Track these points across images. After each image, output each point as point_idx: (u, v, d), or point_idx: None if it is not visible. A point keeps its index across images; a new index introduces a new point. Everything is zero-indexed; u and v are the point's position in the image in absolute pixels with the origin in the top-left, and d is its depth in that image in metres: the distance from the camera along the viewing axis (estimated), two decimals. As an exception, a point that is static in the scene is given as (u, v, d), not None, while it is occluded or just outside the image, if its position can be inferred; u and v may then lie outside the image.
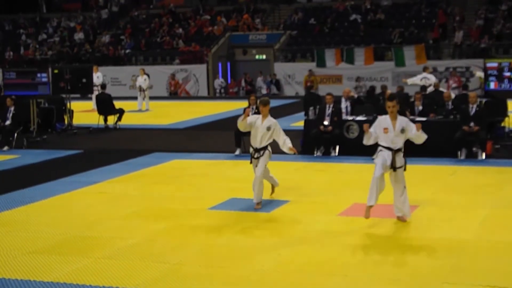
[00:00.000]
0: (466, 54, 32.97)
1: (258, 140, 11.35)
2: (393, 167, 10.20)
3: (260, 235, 9.97)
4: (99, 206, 12.02)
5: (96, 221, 10.95)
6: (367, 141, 10.37)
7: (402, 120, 10.29)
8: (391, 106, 10.18)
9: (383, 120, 10.29)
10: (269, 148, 11.46)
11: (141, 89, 28.74)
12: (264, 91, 34.98)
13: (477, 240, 9.48)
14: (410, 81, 24.65)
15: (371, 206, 10.10)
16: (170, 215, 11.22)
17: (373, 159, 10.56)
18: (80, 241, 9.81)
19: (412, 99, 18.58)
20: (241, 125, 11.49)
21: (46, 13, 46.17)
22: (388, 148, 10.19)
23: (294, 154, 11.76)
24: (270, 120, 11.37)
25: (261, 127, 11.31)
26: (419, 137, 10.39)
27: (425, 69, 25.60)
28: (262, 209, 11.33)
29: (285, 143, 11.38)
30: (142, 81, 28.86)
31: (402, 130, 10.16)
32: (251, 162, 11.53)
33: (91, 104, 27.71)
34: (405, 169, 10.33)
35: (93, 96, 26.95)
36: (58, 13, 45.18)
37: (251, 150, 11.53)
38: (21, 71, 22.79)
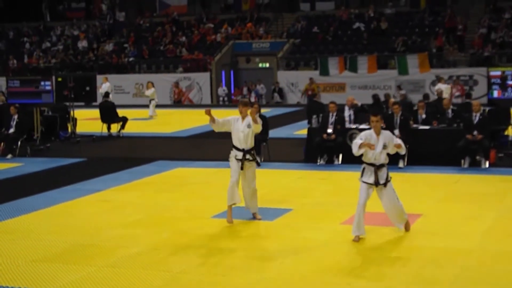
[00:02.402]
0: (469, 62, 33.00)
1: (242, 140, 11.02)
2: (376, 183, 9.90)
3: (263, 244, 9.96)
4: (102, 214, 12.02)
5: (99, 229, 10.95)
6: (358, 151, 10.00)
7: (385, 136, 9.96)
8: (375, 121, 9.84)
9: (369, 136, 9.94)
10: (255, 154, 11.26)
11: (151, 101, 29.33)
12: (251, 99, 34.99)
13: (480, 249, 9.46)
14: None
15: (358, 236, 9.89)
16: (173, 223, 11.22)
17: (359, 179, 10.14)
18: (84, 250, 9.81)
19: (415, 108, 18.59)
20: (215, 126, 11.15)
21: (50, 21, 46.30)
22: (371, 164, 9.96)
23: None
24: (249, 119, 11.04)
25: (242, 127, 11.04)
26: (398, 149, 10.19)
27: (440, 80, 25.69)
28: (265, 217, 11.31)
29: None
30: (150, 92, 29.31)
31: (384, 146, 9.86)
32: (242, 168, 11.01)
33: (96, 112, 27.74)
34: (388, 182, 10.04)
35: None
36: (61, 21, 45.30)
37: (236, 153, 11.05)
38: (25, 80, 22.84)
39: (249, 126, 11.02)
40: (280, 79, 35.57)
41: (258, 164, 11.37)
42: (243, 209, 11.48)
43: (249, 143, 11.09)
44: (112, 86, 36.31)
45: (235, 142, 11.11)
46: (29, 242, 10.23)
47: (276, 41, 37.75)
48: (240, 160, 10.99)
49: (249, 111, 11.07)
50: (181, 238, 10.35)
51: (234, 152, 11.08)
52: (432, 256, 9.09)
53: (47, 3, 46.82)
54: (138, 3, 44.11)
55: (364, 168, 10.02)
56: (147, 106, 30.13)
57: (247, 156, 11.03)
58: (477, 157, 15.68)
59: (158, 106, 30.72)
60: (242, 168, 10.99)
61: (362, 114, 18.63)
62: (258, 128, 11.08)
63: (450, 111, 17.84)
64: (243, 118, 11.12)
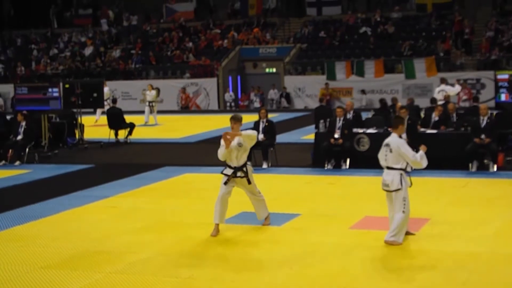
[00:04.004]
0: (476, 66, 32.93)
1: (234, 158, 10.71)
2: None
3: (272, 249, 9.94)
4: (110, 221, 12.04)
5: (107, 235, 10.96)
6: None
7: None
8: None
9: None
10: (249, 163, 10.98)
11: (150, 104, 28.88)
12: (257, 104, 35.02)
13: (490, 253, 9.43)
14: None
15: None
16: (181, 229, 11.22)
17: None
18: (92, 256, 9.82)
19: (422, 112, 18.57)
20: (224, 155, 10.76)
21: (57, 28, 46.44)
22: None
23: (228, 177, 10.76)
24: (240, 137, 10.71)
25: (233, 145, 10.68)
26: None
27: (442, 81, 25.56)
28: (273, 222, 11.28)
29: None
30: (151, 95, 29.04)
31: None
32: (225, 183, 10.71)
33: (103, 118, 27.77)
34: None
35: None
36: (69, 28, 45.44)
37: (226, 169, 10.80)
38: (33, 86, 22.85)
39: (239, 145, 10.73)
40: (287, 84, 35.56)
41: (249, 182, 10.86)
42: (251, 214, 11.47)
43: (241, 161, 10.79)
44: (119, 92, 36.55)
45: (227, 159, 10.84)
46: (37, 249, 10.25)
47: (283, 46, 37.75)
48: (228, 176, 10.75)
49: (228, 135, 10.64)
50: (189, 243, 10.34)
51: (226, 167, 10.83)
52: (441, 260, 9.06)
53: (54, 10, 46.96)
54: (145, 10, 44.20)
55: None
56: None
57: (238, 174, 10.76)
58: (485, 161, 15.65)
59: (165, 112, 30.76)
60: (225, 183, 10.71)
61: (359, 121, 18.43)
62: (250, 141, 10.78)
63: (455, 114, 17.82)
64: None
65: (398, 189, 9.84)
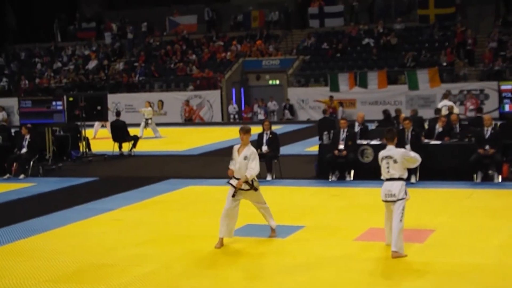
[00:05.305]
0: (480, 76, 32.93)
1: (237, 171, 10.74)
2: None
3: (276, 261, 9.92)
4: (115, 234, 12.03)
5: (112, 248, 10.96)
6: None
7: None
8: None
9: None
10: (255, 178, 10.90)
11: (146, 120, 28.87)
12: (261, 116, 35.02)
13: (496, 265, 9.40)
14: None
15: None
16: (185, 242, 11.21)
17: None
18: (97, 269, 9.81)
19: (426, 123, 18.56)
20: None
21: (61, 42, 46.60)
22: None
23: (236, 188, 10.72)
24: (249, 149, 10.81)
25: (240, 158, 10.77)
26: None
27: (445, 96, 25.61)
28: (278, 235, 11.27)
29: (247, 170, 10.70)
30: (147, 111, 29.03)
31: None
32: (233, 195, 10.73)
33: (106, 131, 27.82)
34: None
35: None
36: (72, 41, 45.59)
37: (232, 180, 10.81)
38: (37, 100, 22.88)
39: (245, 158, 10.76)
40: (291, 96, 35.59)
41: (255, 189, 10.85)
42: (256, 227, 11.45)
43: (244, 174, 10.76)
44: (123, 105, 36.59)
45: (234, 172, 10.87)
46: (42, 263, 10.25)
47: (286, 58, 37.81)
48: (234, 187, 10.75)
49: (240, 183, 10.68)
50: (193, 256, 10.34)
51: (232, 178, 10.84)
52: (447, 272, 9.04)
53: (58, 24, 47.13)
54: (149, 23, 44.36)
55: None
56: (159, 124, 30.08)
57: (243, 187, 10.76)
58: (490, 172, 15.62)
59: (168, 124, 30.76)
60: (233, 196, 10.74)
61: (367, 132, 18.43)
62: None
63: (458, 125, 17.81)
64: (244, 145, 10.90)
65: (402, 199, 9.89)
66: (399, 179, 9.99)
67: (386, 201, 10.06)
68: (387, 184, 10.04)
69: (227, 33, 42.16)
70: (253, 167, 10.71)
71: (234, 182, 10.79)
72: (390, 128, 11.19)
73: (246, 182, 10.73)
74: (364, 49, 37.02)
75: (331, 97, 32.90)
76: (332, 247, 10.53)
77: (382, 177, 10.19)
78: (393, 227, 9.87)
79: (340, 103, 33.09)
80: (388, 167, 10.04)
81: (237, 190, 10.70)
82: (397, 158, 10.00)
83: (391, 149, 10.16)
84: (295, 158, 20.48)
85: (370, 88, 29.44)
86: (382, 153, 10.22)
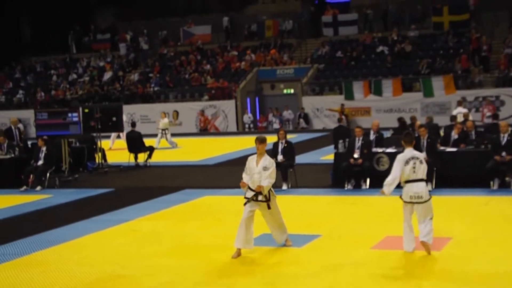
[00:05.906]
0: (495, 83, 32.78)
1: (256, 181, 10.64)
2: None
3: (292, 271, 9.90)
4: (131, 244, 12.05)
5: (128, 259, 10.97)
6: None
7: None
8: None
9: None
10: (271, 188, 10.85)
11: (163, 131, 28.88)
12: (276, 125, 35.01)
13: (513, 272, 9.33)
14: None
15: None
16: (202, 252, 11.20)
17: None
18: (113, 280, 9.83)
19: (441, 130, 18.48)
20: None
21: (76, 53, 46.90)
22: None
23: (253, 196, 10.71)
24: (266, 159, 10.75)
25: (257, 169, 10.69)
26: None
27: (459, 103, 25.50)
28: (294, 244, 11.24)
29: (263, 180, 10.62)
30: (163, 122, 29.05)
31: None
32: (246, 203, 10.71)
33: (122, 142, 27.92)
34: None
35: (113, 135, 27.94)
36: (87, 53, 45.87)
37: (248, 193, 10.76)
38: (53, 112, 23.01)
39: (264, 168, 10.68)
40: (305, 105, 35.58)
41: (269, 207, 10.78)
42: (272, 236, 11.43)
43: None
44: (138, 116, 36.74)
45: (248, 180, 10.81)
46: (59, 274, 10.28)
47: (300, 67, 37.83)
48: (248, 199, 10.74)
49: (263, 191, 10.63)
50: (210, 266, 10.33)
51: (248, 190, 10.78)
52: (465, 280, 8.98)
53: (73, 36, 47.45)
54: (163, 33, 44.58)
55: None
56: (174, 135, 30.15)
57: (260, 198, 10.72)
58: (507, 178, 15.53)
59: (183, 134, 30.82)
60: (246, 203, 10.72)
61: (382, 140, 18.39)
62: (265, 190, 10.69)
63: (473, 132, 17.74)
64: (260, 155, 10.83)
65: (429, 199, 10.24)
66: (423, 180, 10.25)
67: (411, 202, 10.12)
68: (412, 185, 10.23)
69: (241, 42, 42.26)
70: (269, 179, 10.59)
71: (249, 194, 10.78)
72: (407, 132, 11.25)
73: (262, 194, 10.68)
74: (379, 57, 36.99)
75: (342, 105, 32.87)
76: (349, 256, 10.50)
77: (403, 180, 10.28)
78: (425, 224, 10.12)
79: (347, 116, 32.91)
80: (414, 168, 10.22)
81: (253, 197, 10.68)
82: (422, 159, 10.33)
83: (412, 151, 10.41)
84: (311, 167, 20.45)
85: (385, 96, 29.35)
86: (405, 155, 10.32)
